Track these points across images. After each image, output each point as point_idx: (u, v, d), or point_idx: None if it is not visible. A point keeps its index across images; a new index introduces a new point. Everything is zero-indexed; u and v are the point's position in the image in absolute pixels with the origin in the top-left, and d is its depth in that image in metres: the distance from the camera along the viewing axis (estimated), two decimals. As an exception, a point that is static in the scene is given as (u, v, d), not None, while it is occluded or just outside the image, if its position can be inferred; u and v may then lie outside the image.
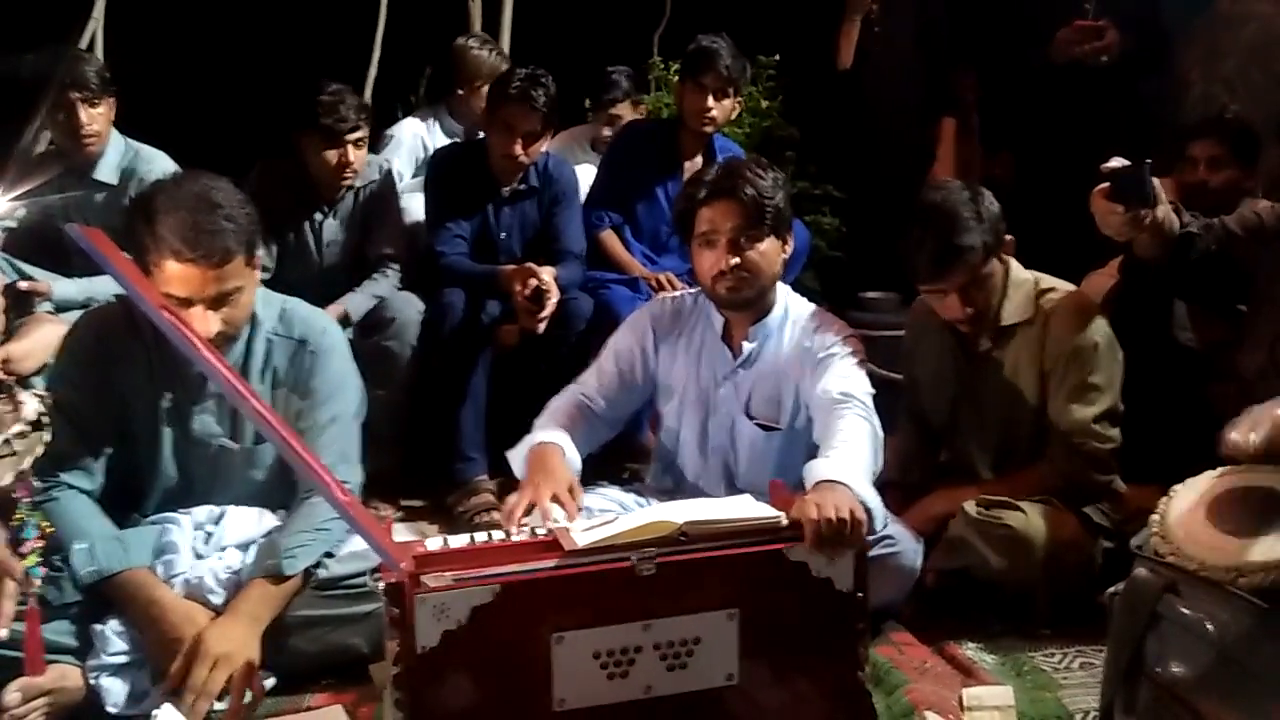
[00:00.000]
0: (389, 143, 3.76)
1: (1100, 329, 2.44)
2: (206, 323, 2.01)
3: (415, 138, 3.76)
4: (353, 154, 3.14)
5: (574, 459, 2.21)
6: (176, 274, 1.98)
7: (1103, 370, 2.42)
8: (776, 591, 1.75)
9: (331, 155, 3.12)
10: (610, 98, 4.10)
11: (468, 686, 1.65)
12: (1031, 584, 2.33)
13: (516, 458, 2.23)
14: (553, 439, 2.21)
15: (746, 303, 2.34)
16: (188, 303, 2.00)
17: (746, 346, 2.37)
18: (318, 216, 3.25)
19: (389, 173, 3.39)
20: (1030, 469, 2.48)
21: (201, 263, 1.99)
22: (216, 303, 2.04)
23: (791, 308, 2.42)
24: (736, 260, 2.27)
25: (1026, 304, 2.48)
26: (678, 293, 2.68)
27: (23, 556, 1.74)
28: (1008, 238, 2.46)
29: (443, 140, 3.75)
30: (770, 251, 2.32)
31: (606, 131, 4.06)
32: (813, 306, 2.45)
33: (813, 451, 2.20)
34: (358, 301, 3.12)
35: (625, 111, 4.11)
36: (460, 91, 3.75)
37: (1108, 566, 2.34)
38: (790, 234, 2.38)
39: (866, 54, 4.00)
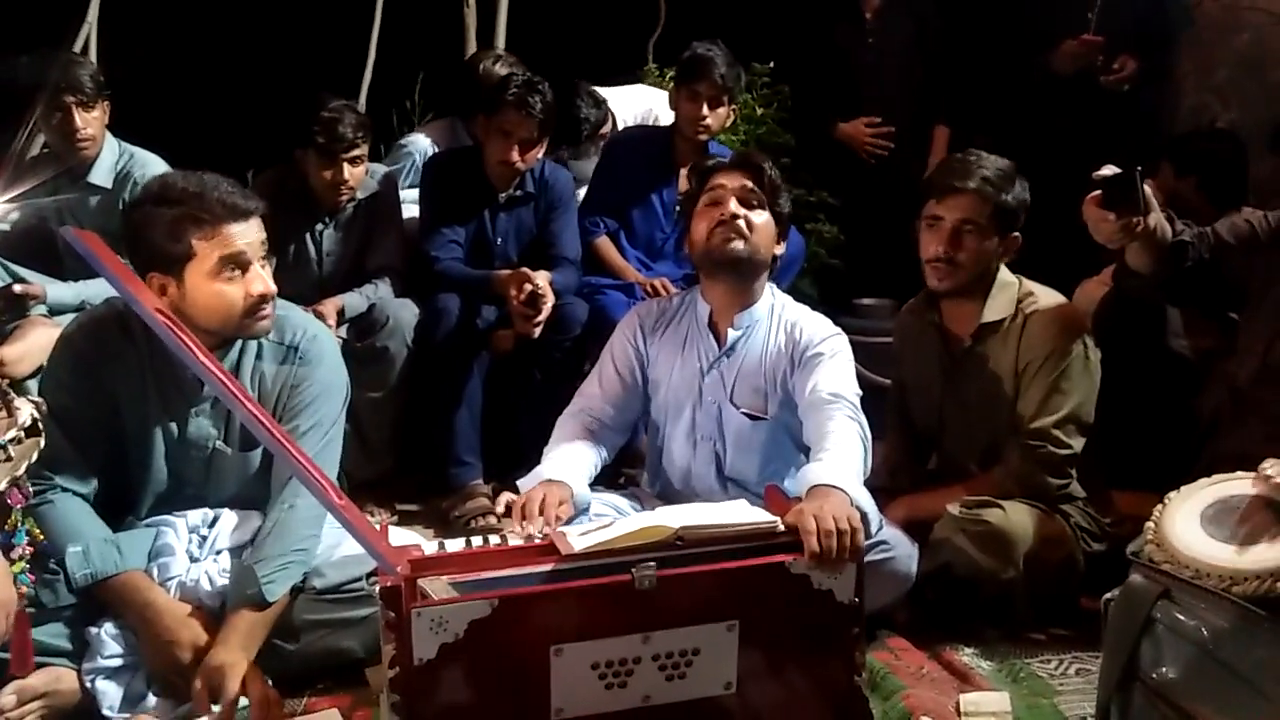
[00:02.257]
0: (400, 153, 3.70)
1: (1080, 341, 2.45)
2: (268, 281, 2.08)
3: (425, 157, 3.63)
4: (348, 172, 3.09)
5: (583, 496, 2.19)
6: (238, 232, 2.04)
7: (1073, 379, 2.43)
8: (777, 604, 1.74)
9: (327, 173, 3.08)
10: None
11: (465, 698, 1.64)
12: (1011, 582, 2.33)
13: (526, 487, 2.21)
14: (563, 478, 2.17)
15: (736, 264, 2.32)
16: (245, 265, 2.05)
17: (732, 334, 2.38)
18: (318, 227, 3.22)
19: (392, 181, 3.35)
20: (989, 472, 2.49)
21: (256, 213, 2.07)
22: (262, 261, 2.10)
23: (778, 304, 2.43)
24: (739, 211, 2.30)
25: (1008, 304, 2.51)
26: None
27: (12, 562, 1.73)
28: (1015, 234, 2.49)
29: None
30: (767, 228, 2.34)
31: None
32: (801, 305, 2.46)
33: (800, 442, 2.22)
34: (355, 300, 3.10)
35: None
36: None
37: (1095, 570, 2.35)
38: (785, 236, 2.41)
39: (863, 59, 4.01)
